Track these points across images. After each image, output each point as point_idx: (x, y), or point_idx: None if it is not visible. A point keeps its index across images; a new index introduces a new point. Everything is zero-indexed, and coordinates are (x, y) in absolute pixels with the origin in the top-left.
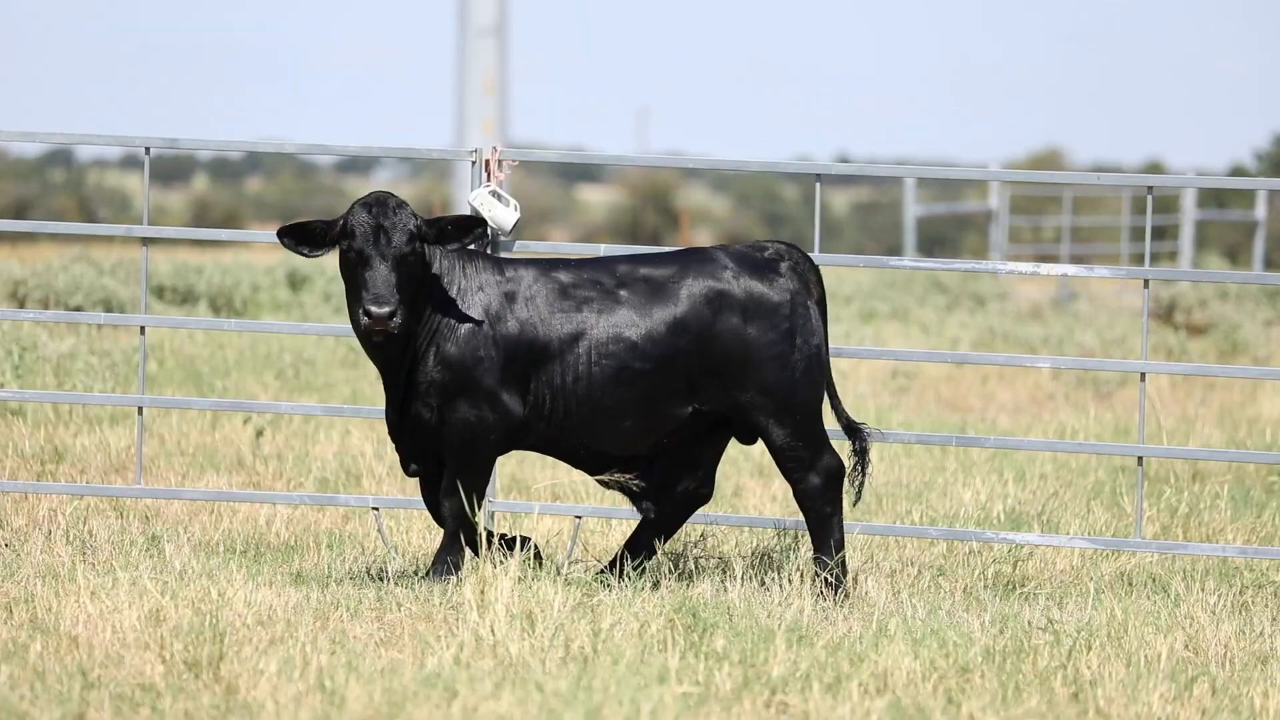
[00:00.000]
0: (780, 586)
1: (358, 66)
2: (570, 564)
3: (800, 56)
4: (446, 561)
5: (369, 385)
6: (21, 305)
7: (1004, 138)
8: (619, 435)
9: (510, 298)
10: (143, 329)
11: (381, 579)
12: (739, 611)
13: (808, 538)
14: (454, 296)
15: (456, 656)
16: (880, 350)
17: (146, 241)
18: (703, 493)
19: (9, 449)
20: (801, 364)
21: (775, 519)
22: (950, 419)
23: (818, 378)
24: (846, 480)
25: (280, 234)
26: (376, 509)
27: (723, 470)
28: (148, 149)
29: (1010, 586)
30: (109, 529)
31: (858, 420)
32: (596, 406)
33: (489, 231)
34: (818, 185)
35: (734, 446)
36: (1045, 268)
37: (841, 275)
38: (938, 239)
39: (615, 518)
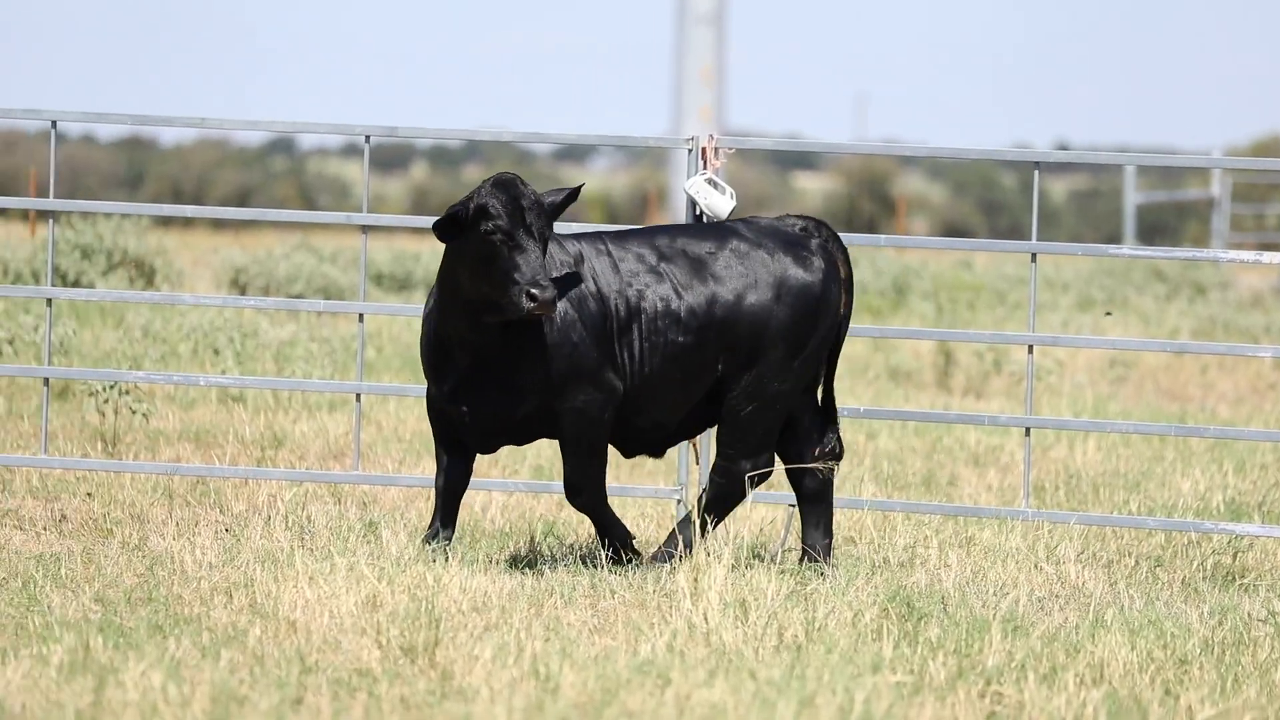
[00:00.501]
0: (996, 575)
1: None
2: (783, 553)
3: (1019, 43)
4: (616, 545)
5: None
6: (243, 292)
7: (1227, 124)
8: (672, 405)
9: (591, 275)
10: (361, 316)
11: (595, 566)
12: (954, 601)
13: (1021, 527)
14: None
15: (670, 644)
16: (1098, 339)
17: (366, 229)
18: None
19: (230, 435)
20: (812, 346)
21: (992, 508)
22: (1169, 408)
23: (818, 360)
24: (819, 460)
25: (437, 226)
26: None
27: (937, 459)
28: (368, 137)
29: (1230, 578)
30: (327, 515)
31: (838, 410)
32: (660, 376)
33: (706, 217)
34: (1036, 173)
35: (921, 438)
36: (1268, 256)
37: (1059, 263)
38: (1158, 227)
39: None
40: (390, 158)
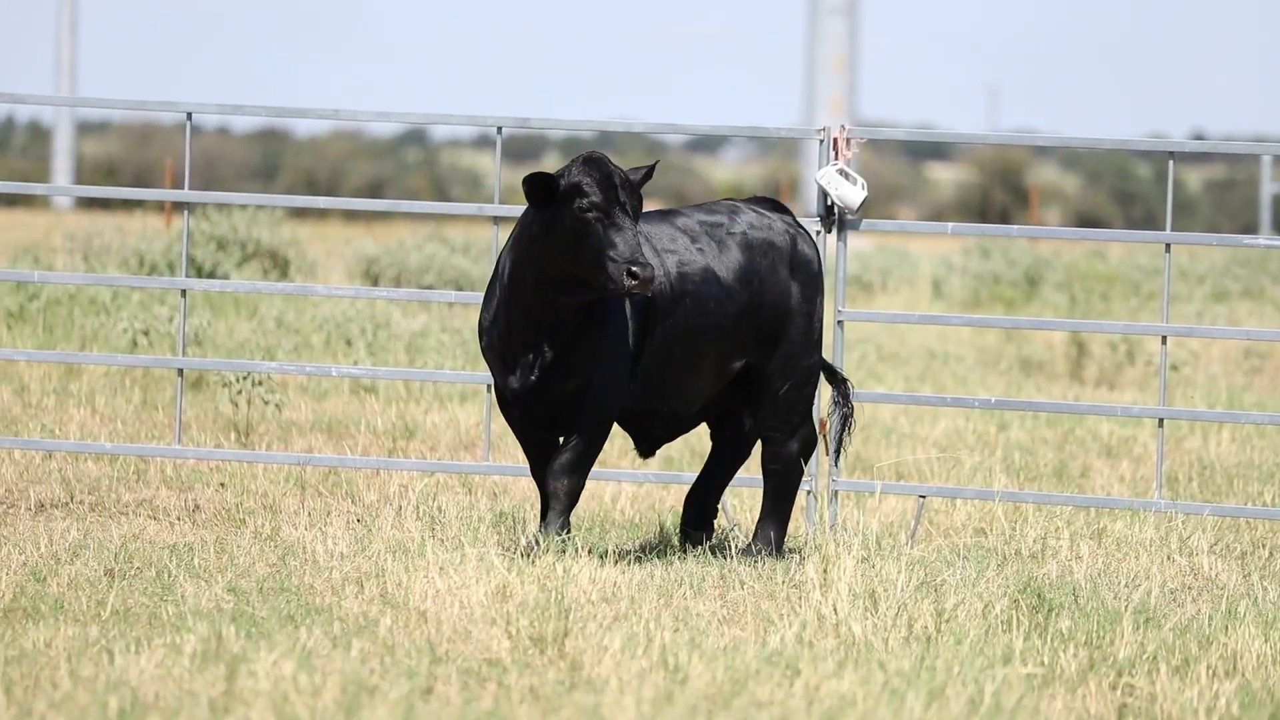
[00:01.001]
0: (1127, 568)
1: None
2: (913, 543)
3: (1155, 31)
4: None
5: None
6: (375, 283)
7: None
8: (694, 392)
9: None
10: None
11: (724, 556)
12: (1085, 592)
13: (1154, 519)
14: None
15: (799, 635)
16: (1233, 330)
17: (497, 220)
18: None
19: (362, 425)
20: (819, 318)
21: (1125, 500)
22: None
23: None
24: (829, 434)
25: (526, 181)
26: None
27: (1069, 450)
28: (500, 129)
29: None
30: (457, 505)
31: (840, 373)
32: (683, 362)
33: (837, 208)
34: (1170, 163)
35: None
36: None
37: (1195, 254)
38: None
39: (960, 497)
40: (522, 149)
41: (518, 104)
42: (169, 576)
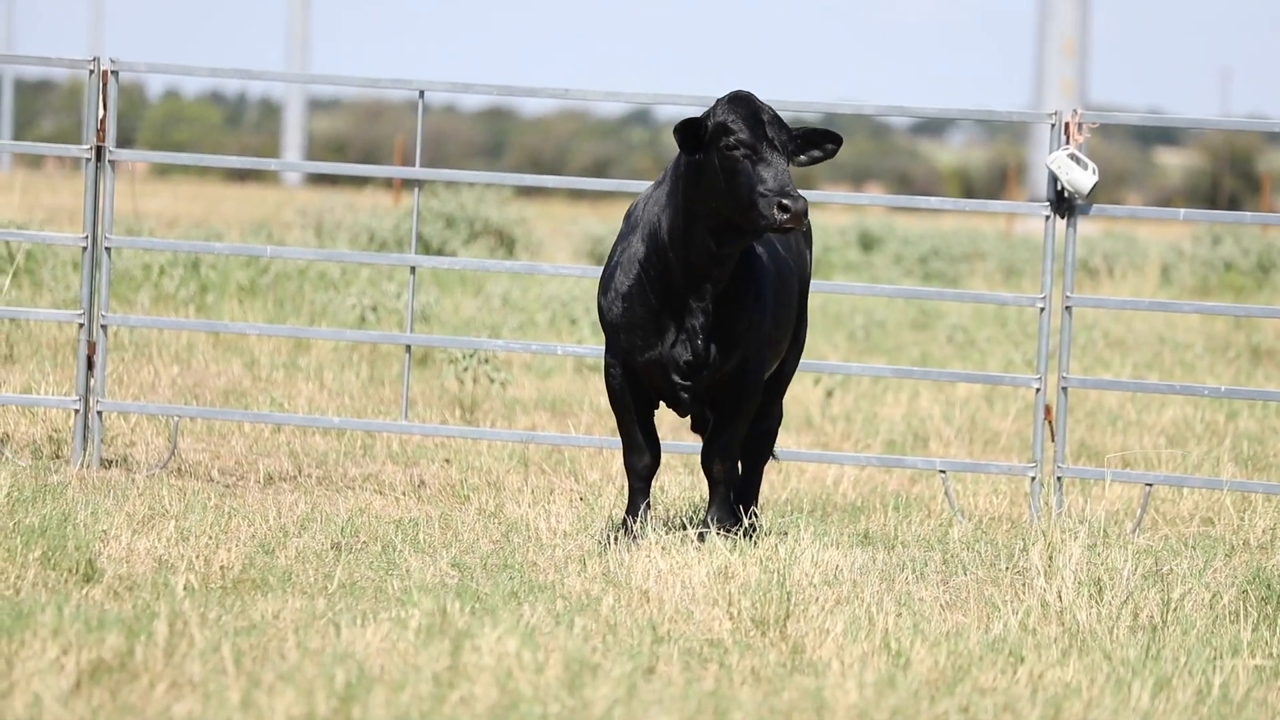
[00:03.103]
0: None
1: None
2: (1140, 532)
3: None
4: (735, 517)
5: (938, 348)
6: (600, 262)
7: None
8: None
9: None
10: None
11: (948, 542)
12: None
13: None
14: None
15: (1023, 622)
16: None
17: None
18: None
19: (585, 404)
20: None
21: None
22: None
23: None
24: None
25: (677, 128)
26: (944, 471)
27: None
28: None
29: None
30: (680, 484)
31: None
32: (775, 341)
33: (1067, 193)
34: None
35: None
36: None
37: None
38: None
39: (1187, 486)
40: None
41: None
42: (394, 551)
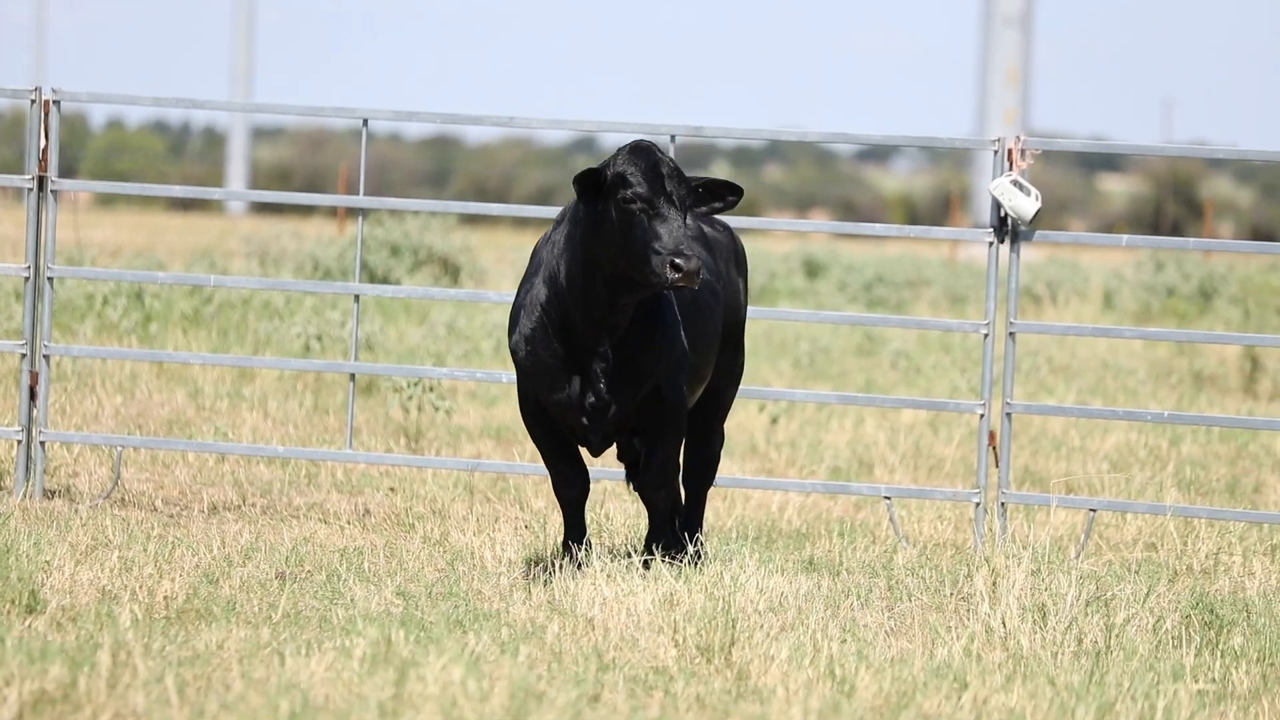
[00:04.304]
0: None
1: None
2: (1083, 557)
3: None
4: (678, 544)
5: (882, 374)
6: None
7: None
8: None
9: None
10: None
11: (892, 568)
12: (1258, 609)
13: None
14: None
15: (967, 648)
16: None
17: None
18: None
19: None
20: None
21: None
22: None
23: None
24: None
25: (576, 178)
26: (888, 498)
27: (1242, 466)
28: (673, 136)
29: None
30: (624, 512)
31: None
32: (702, 368)
33: (1011, 219)
34: None
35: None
36: None
37: None
38: None
39: (1131, 511)
40: (693, 157)
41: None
42: (339, 580)
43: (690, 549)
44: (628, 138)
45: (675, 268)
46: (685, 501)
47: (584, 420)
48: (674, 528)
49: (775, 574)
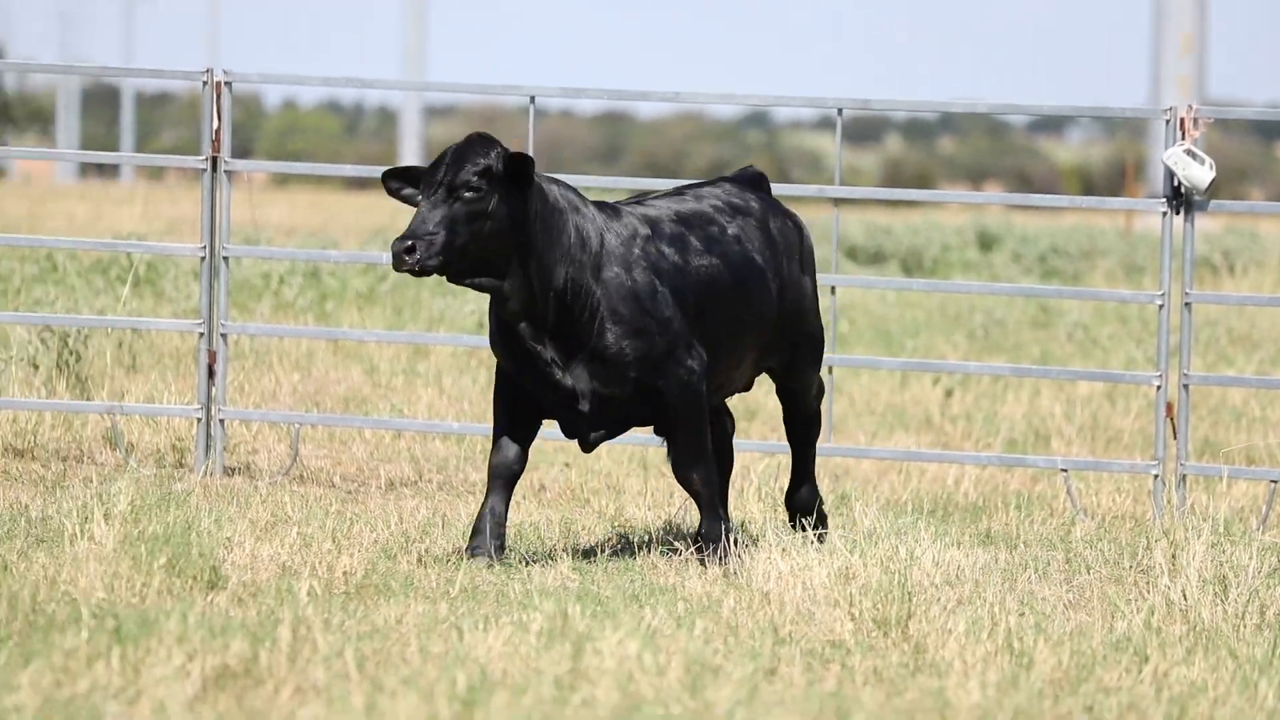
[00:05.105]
0: None
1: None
2: (1265, 529)
3: None
4: (719, 537)
5: (1058, 346)
6: None
7: None
8: (737, 381)
9: (661, 253)
10: (833, 289)
11: (1070, 541)
12: None
13: None
14: (611, 252)
15: (1147, 621)
16: None
17: (838, 202)
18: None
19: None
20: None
21: None
22: None
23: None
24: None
25: (384, 176)
26: (1065, 470)
27: None
28: (840, 110)
29: None
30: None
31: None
32: (737, 354)
33: (1185, 189)
34: None
35: None
36: None
37: None
38: None
39: None
40: (864, 130)
41: (860, 85)
42: (516, 555)
43: (818, 521)
44: (797, 112)
45: (393, 253)
46: (794, 460)
47: (564, 412)
48: (717, 511)
49: (951, 547)
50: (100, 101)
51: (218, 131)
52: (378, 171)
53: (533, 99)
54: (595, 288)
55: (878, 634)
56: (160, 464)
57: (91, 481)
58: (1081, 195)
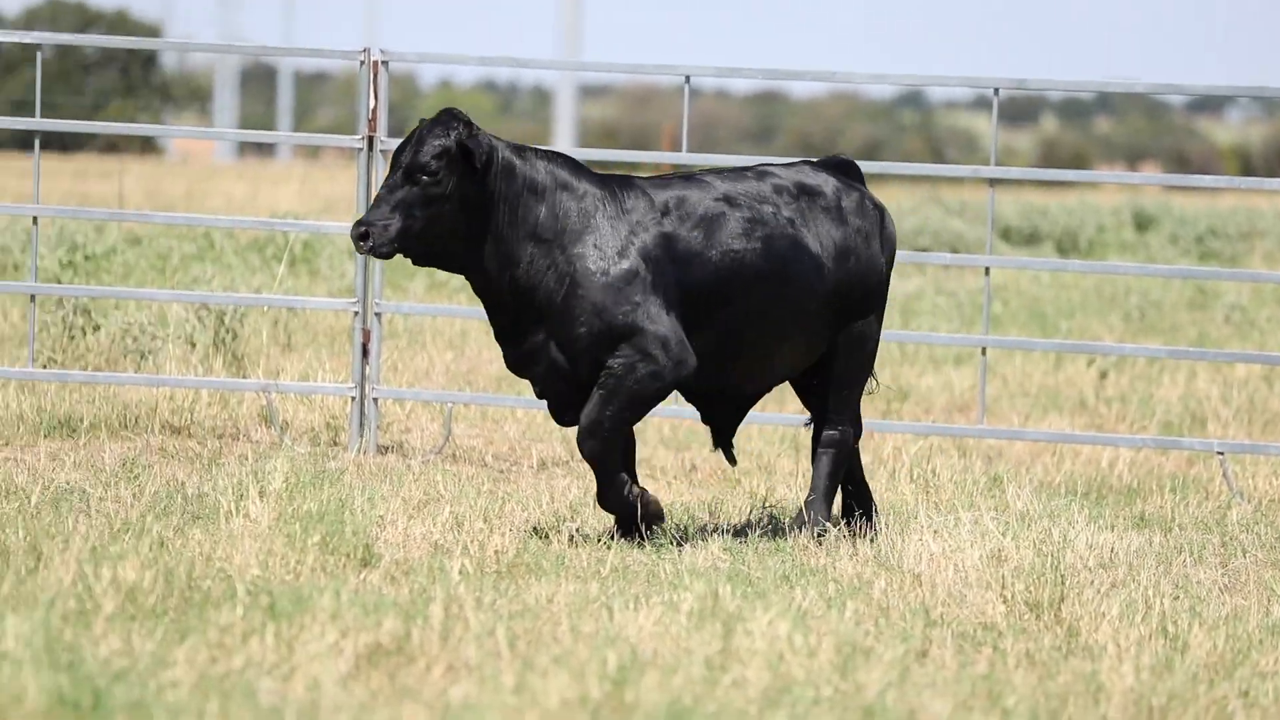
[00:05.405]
0: None
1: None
2: None
3: None
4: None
5: (1215, 328)
6: None
7: None
8: (781, 372)
9: (671, 236)
10: (987, 270)
11: (1226, 524)
12: None
13: None
14: (590, 233)
15: None
16: None
17: (993, 183)
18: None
19: None
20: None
21: None
22: None
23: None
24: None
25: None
26: (1222, 453)
27: None
28: (996, 90)
29: None
30: (951, 468)
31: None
32: (771, 341)
33: None
34: None
35: None
36: None
37: None
38: None
39: None
40: (1020, 110)
41: (1015, 65)
42: (665, 535)
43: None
44: (952, 91)
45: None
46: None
47: (539, 390)
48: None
49: (1105, 530)
50: (258, 80)
51: (374, 111)
52: None
53: (687, 79)
54: (561, 266)
55: (1030, 617)
56: (314, 442)
57: (247, 459)
58: (1240, 176)
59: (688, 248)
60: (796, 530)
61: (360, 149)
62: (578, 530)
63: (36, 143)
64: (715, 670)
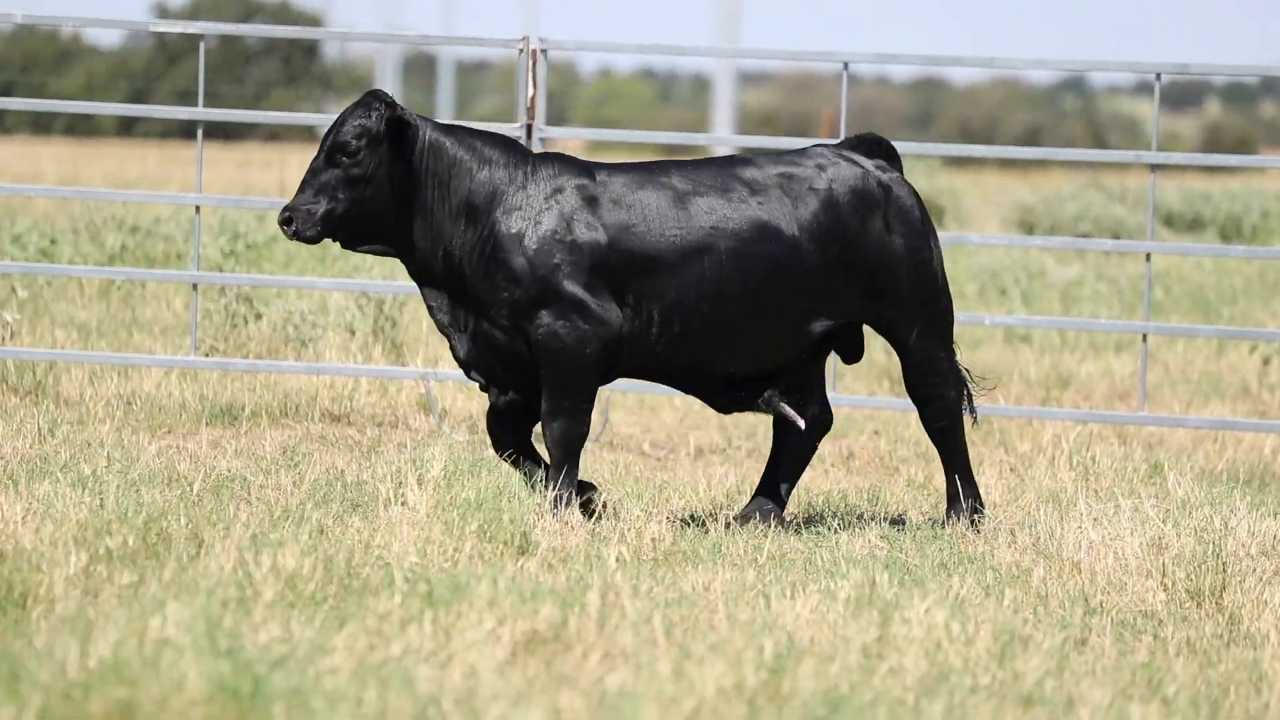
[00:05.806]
0: None
1: None
2: None
3: None
4: (561, 495)
5: None
6: (1030, 232)
7: None
8: (747, 354)
9: (594, 201)
10: (1149, 256)
11: None
12: None
13: None
14: (513, 203)
15: None
16: None
17: (1155, 168)
18: (826, 419)
19: (1015, 374)
20: (936, 268)
21: None
22: None
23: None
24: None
25: None
26: None
27: None
28: (1158, 75)
29: None
30: (1111, 456)
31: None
32: (723, 322)
33: None
34: None
35: None
36: None
37: None
38: None
39: None
40: (1183, 95)
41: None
42: (824, 523)
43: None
44: (1114, 76)
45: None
46: (945, 460)
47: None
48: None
49: (1268, 518)
50: (419, 69)
51: (533, 99)
52: (692, 139)
53: (846, 66)
54: (484, 235)
55: (1191, 605)
56: (473, 430)
57: (405, 447)
58: None
59: (617, 219)
60: (950, 519)
61: (520, 136)
62: (734, 518)
63: (199, 132)
64: (872, 658)
